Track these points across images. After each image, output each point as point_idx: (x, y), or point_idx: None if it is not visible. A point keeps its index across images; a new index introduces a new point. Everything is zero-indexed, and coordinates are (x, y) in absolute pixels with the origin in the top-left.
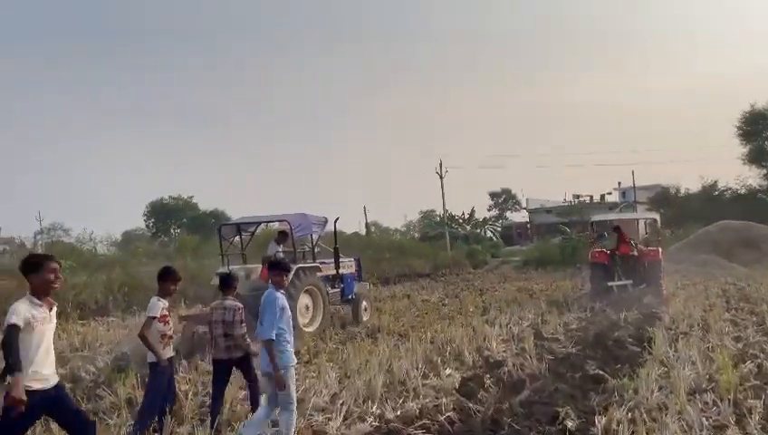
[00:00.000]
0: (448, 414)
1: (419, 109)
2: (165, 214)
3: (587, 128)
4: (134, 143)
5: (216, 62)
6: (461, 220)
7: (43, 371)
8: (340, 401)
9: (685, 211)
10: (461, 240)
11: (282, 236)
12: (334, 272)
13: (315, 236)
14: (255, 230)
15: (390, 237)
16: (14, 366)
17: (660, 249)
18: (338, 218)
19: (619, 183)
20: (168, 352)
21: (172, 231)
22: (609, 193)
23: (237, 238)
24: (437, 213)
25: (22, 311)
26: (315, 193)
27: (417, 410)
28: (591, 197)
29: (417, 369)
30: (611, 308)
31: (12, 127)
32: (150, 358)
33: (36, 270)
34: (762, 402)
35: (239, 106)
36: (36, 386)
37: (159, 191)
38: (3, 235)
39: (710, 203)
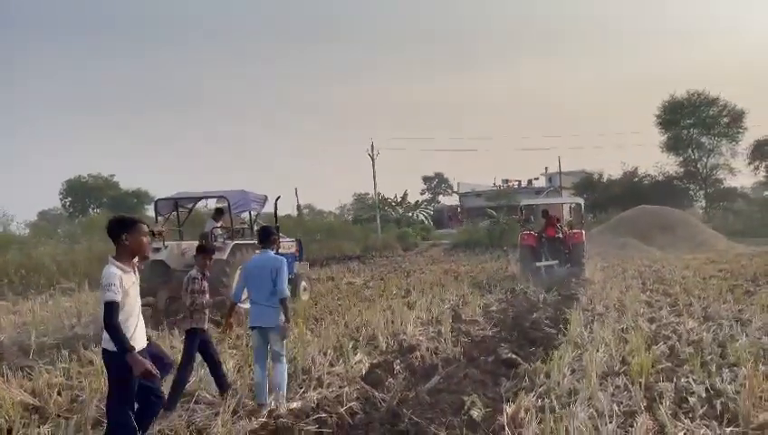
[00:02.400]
0: (350, 404)
1: (357, 92)
2: (83, 193)
3: (517, 114)
4: (53, 121)
5: (143, 43)
6: (393, 203)
7: (136, 333)
8: (232, 394)
9: (607, 196)
10: (393, 223)
11: (218, 214)
12: None
13: (254, 214)
14: (193, 207)
15: (324, 220)
16: (126, 347)
17: (584, 232)
18: (279, 197)
19: (546, 168)
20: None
21: (91, 211)
22: (537, 178)
23: (174, 214)
24: (371, 196)
25: (117, 282)
26: (248, 176)
27: (315, 403)
28: (520, 181)
29: (325, 356)
30: (538, 288)
31: None
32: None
33: (132, 230)
34: (673, 385)
35: (166, 88)
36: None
37: (78, 170)
38: None
39: (631, 189)
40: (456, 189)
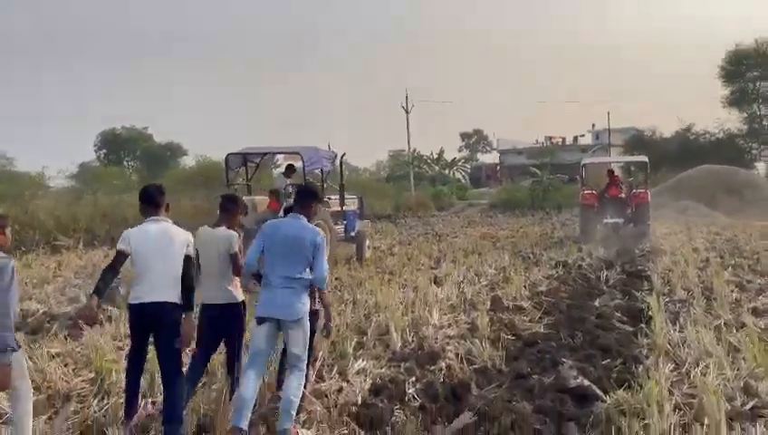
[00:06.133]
0: None
1: (392, 46)
2: (117, 145)
3: (564, 68)
4: (84, 71)
5: None
6: (429, 160)
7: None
8: None
9: (660, 155)
10: (427, 181)
11: (290, 170)
12: (338, 208)
13: (326, 171)
14: (260, 161)
15: (359, 177)
16: None
17: (649, 192)
18: (344, 154)
19: (593, 125)
20: None
21: (126, 163)
22: (583, 135)
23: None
24: (406, 153)
25: None
26: (281, 130)
27: None
28: (564, 139)
29: (313, 363)
30: (595, 260)
31: None
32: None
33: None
34: None
35: (198, 40)
36: None
37: (112, 121)
38: None
39: (687, 147)
40: (495, 146)
